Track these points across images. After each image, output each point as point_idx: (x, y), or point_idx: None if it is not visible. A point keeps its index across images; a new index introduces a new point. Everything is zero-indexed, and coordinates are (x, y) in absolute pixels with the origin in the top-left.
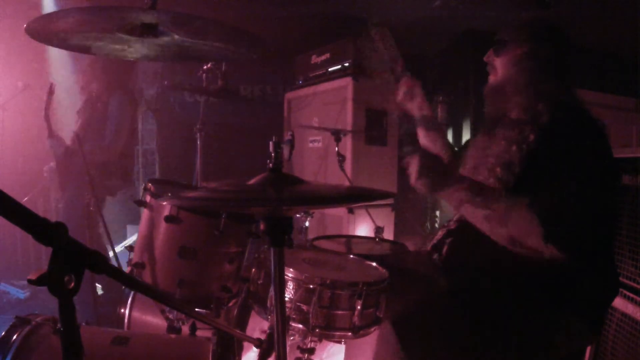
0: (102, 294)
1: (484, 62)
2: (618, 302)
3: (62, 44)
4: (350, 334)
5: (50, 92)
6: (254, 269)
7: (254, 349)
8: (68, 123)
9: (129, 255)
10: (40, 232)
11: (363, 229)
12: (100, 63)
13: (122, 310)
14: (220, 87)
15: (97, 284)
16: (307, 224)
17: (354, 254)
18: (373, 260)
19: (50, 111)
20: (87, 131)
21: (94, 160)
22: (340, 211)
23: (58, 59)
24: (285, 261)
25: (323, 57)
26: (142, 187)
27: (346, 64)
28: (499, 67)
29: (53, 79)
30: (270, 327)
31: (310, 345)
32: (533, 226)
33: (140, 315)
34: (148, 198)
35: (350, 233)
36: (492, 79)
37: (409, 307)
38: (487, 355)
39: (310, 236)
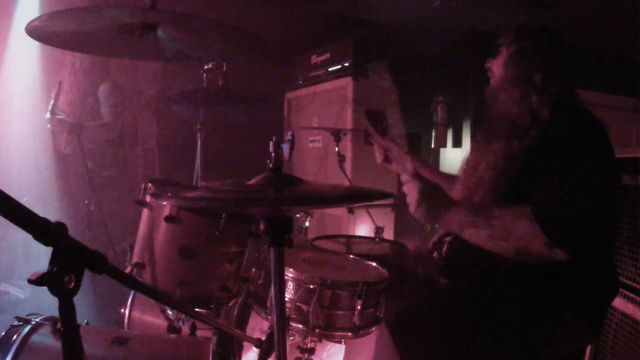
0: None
1: (485, 62)
2: (618, 302)
3: (62, 44)
4: (350, 334)
5: (59, 88)
6: (254, 269)
7: (254, 349)
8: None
9: (129, 255)
10: (40, 232)
11: (363, 229)
12: (84, 60)
13: (122, 310)
14: (221, 87)
15: None
16: (307, 224)
17: (354, 254)
18: (373, 260)
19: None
20: (85, 121)
21: (96, 138)
22: (340, 211)
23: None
24: (285, 261)
25: (323, 57)
26: (142, 187)
27: (346, 64)
28: (496, 71)
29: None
30: (270, 327)
31: (310, 345)
32: (536, 234)
33: (140, 315)
34: (148, 198)
35: (350, 233)
36: (491, 82)
37: (408, 307)
38: (487, 355)
39: (310, 236)
